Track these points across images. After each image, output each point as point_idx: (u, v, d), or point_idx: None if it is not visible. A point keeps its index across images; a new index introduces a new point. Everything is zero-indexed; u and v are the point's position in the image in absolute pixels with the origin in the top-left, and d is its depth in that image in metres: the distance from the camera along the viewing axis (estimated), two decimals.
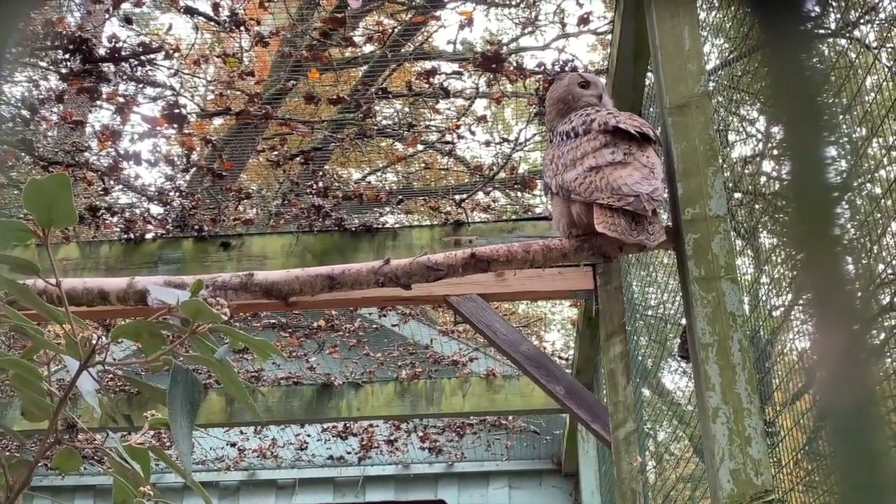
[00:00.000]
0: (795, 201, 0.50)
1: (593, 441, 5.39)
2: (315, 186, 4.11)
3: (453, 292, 3.49)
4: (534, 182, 4.35)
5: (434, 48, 5.35)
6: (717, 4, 2.66)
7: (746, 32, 2.53)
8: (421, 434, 6.61)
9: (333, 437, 6.53)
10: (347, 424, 6.37)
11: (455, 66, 4.18)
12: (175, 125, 3.90)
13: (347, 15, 3.85)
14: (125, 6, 3.87)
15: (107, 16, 4.08)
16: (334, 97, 4.03)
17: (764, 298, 3.10)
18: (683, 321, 2.10)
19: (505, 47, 4.57)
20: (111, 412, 1.29)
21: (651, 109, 2.95)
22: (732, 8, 2.49)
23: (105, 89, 3.85)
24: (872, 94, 2.31)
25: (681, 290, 2.04)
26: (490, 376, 5.53)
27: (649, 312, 4.09)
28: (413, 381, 5.58)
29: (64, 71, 3.77)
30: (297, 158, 4.38)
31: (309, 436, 6.66)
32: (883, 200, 2.21)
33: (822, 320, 0.48)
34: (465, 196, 4.34)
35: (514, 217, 4.20)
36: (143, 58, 3.87)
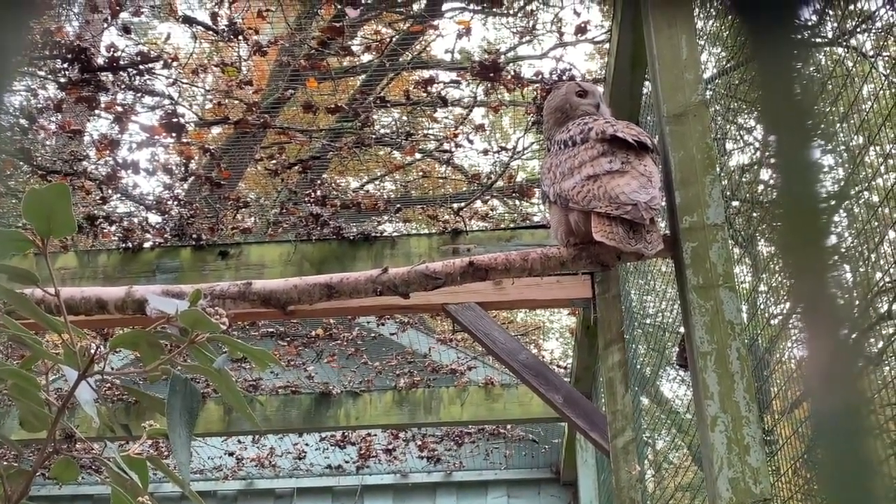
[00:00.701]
0: (783, 210, 0.50)
1: (592, 450, 5.37)
2: (313, 195, 4.11)
3: (452, 301, 3.49)
4: (532, 190, 4.35)
5: (432, 57, 5.36)
6: (714, 13, 2.67)
7: (743, 41, 2.54)
8: (419, 443, 6.60)
9: (332, 445, 6.52)
10: (346, 433, 6.36)
11: (453, 75, 4.19)
12: (173, 134, 3.91)
13: (345, 24, 3.86)
14: (123, 16, 3.89)
15: (105, 25, 4.09)
16: (332, 106, 4.04)
17: (762, 307, 3.10)
18: (682, 329, 2.10)
19: (503, 56, 4.58)
20: (109, 422, 1.28)
21: (648, 118, 2.96)
22: (730, 17, 2.50)
23: (103, 98, 3.85)
24: (869, 103, 2.32)
25: (679, 298, 2.04)
26: (488, 385, 5.53)
27: (647, 321, 4.09)
28: (411, 389, 5.57)
29: (62, 80, 3.77)
30: (296, 167, 4.39)
31: (307, 445, 6.65)
32: (880, 209, 2.22)
33: (810, 329, 0.48)
34: (463, 204, 4.35)
35: (512, 225, 4.19)
36: (141, 67, 3.88)
